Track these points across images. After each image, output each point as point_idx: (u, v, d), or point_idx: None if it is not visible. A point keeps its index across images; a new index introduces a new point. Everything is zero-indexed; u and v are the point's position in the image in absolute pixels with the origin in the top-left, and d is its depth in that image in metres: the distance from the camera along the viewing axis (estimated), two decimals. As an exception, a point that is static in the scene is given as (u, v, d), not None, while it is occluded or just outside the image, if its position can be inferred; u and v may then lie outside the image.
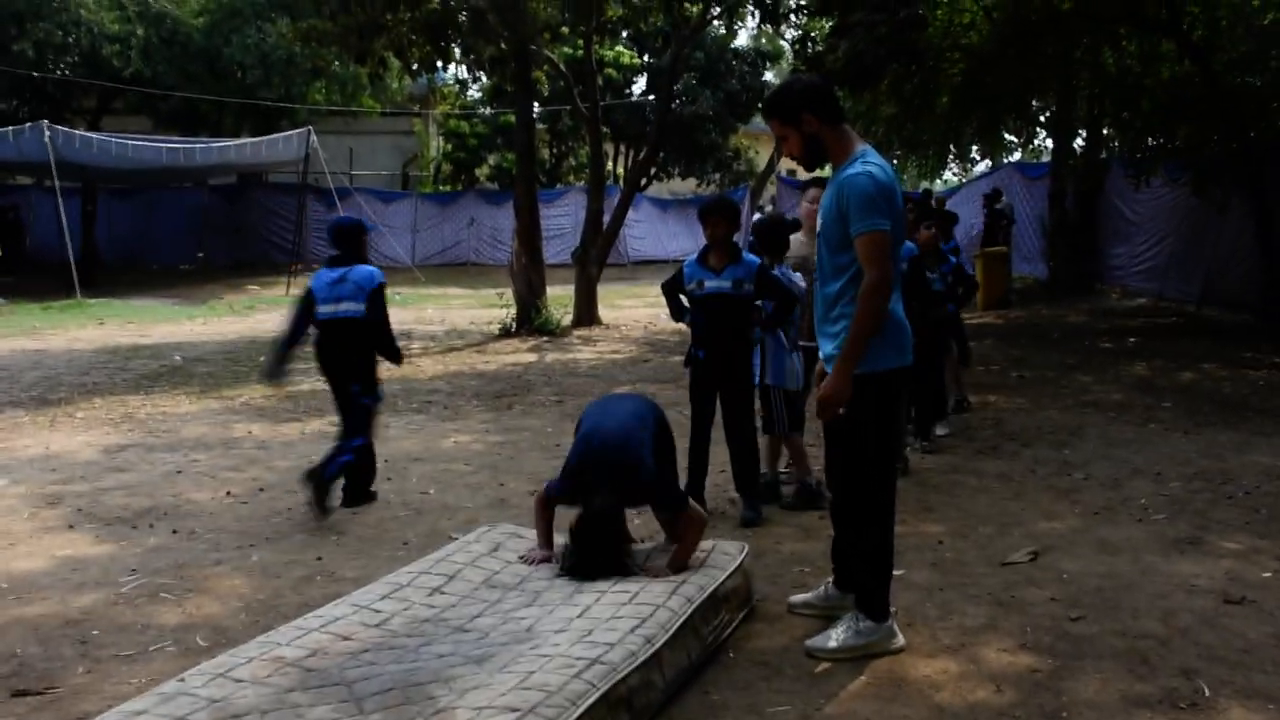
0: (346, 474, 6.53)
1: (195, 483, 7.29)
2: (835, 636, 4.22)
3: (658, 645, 3.74)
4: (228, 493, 7.02)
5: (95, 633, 4.63)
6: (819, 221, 4.28)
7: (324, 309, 6.55)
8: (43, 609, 4.91)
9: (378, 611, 4.20)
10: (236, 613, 4.86)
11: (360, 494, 6.70)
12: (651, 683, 3.64)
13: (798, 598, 4.73)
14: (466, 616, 4.17)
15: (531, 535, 5.01)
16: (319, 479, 6.25)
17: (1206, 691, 3.86)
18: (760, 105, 4.59)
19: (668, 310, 6.55)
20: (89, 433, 8.92)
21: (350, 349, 6.62)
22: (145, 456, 8.06)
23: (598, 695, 3.34)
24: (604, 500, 4.50)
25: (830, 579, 4.67)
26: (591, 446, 4.74)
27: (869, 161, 4.06)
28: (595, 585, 4.34)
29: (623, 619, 3.90)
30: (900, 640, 4.25)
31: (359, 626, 4.03)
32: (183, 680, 3.54)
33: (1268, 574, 5.11)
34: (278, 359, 6.64)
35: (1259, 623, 4.51)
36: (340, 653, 3.77)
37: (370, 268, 6.68)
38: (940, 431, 7.90)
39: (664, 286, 6.44)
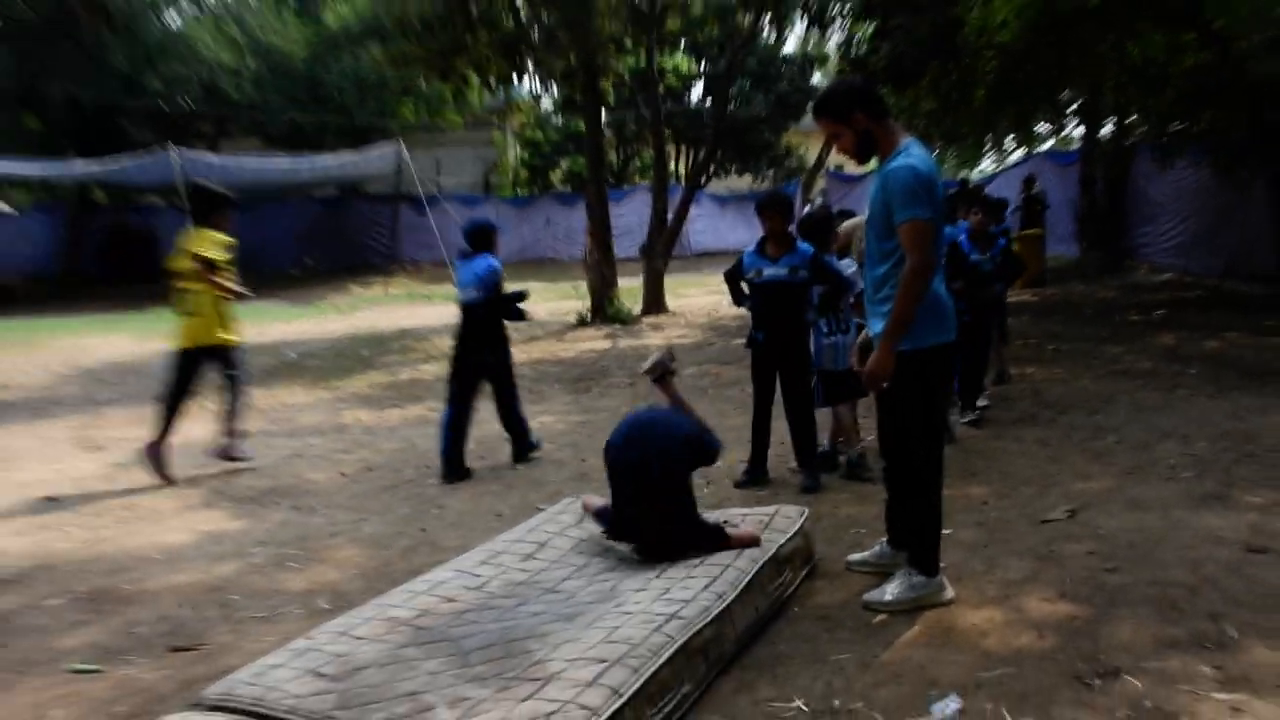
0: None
1: (311, 465, 7.45)
2: (890, 591, 4.22)
3: (728, 601, 3.79)
4: (340, 473, 7.16)
5: (234, 597, 4.78)
6: (866, 210, 4.27)
7: (458, 295, 7.10)
8: (189, 577, 5.08)
9: (477, 576, 4.28)
10: (353, 579, 4.97)
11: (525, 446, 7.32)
12: (723, 635, 3.69)
13: (855, 556, 4.72)
14: (556, 579, 4.24)
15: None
16: (524, 457, 7.21)
17: (1232, 633, 3.82)
18: (812, 106, 4.42)
19: (730, 296, 6.56)
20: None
21: (476, 327, 7.02)
22: (268, 442, 8.23)
23: (676, 647, 3.40)
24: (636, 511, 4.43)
25: (885, 539, 4.66)
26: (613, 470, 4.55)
27: (912, 154, 4.04)
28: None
29: (696, 578, 3.95)
30: (950, 593, 4.25)
31: (461, 590, 4.11)
32: (311, 638, 3.66)
33: (1288, 526, 5.03)
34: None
35: (1280, 570, 4.45)
36: (446, 613, 3.86)
37: (488, 259, 7.01)
38: (981, 403, 7.79)
39: (726, 275, 6.45)
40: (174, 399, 7.15)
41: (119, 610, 4.66)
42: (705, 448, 4.66)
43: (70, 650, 4.23)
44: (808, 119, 32.71)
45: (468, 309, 7.00)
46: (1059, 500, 5.60)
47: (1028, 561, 4.69)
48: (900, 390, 4.11)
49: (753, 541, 4.32)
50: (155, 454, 7.03)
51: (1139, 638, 3.83)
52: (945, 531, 5.08)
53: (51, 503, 6.60)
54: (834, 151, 29.65)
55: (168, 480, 6.98)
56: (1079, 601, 4.20)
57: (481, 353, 6.98)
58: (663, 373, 5.23)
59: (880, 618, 4.11)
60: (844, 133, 4.13)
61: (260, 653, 3.91)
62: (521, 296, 7.21)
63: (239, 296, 7.43)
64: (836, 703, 3.43)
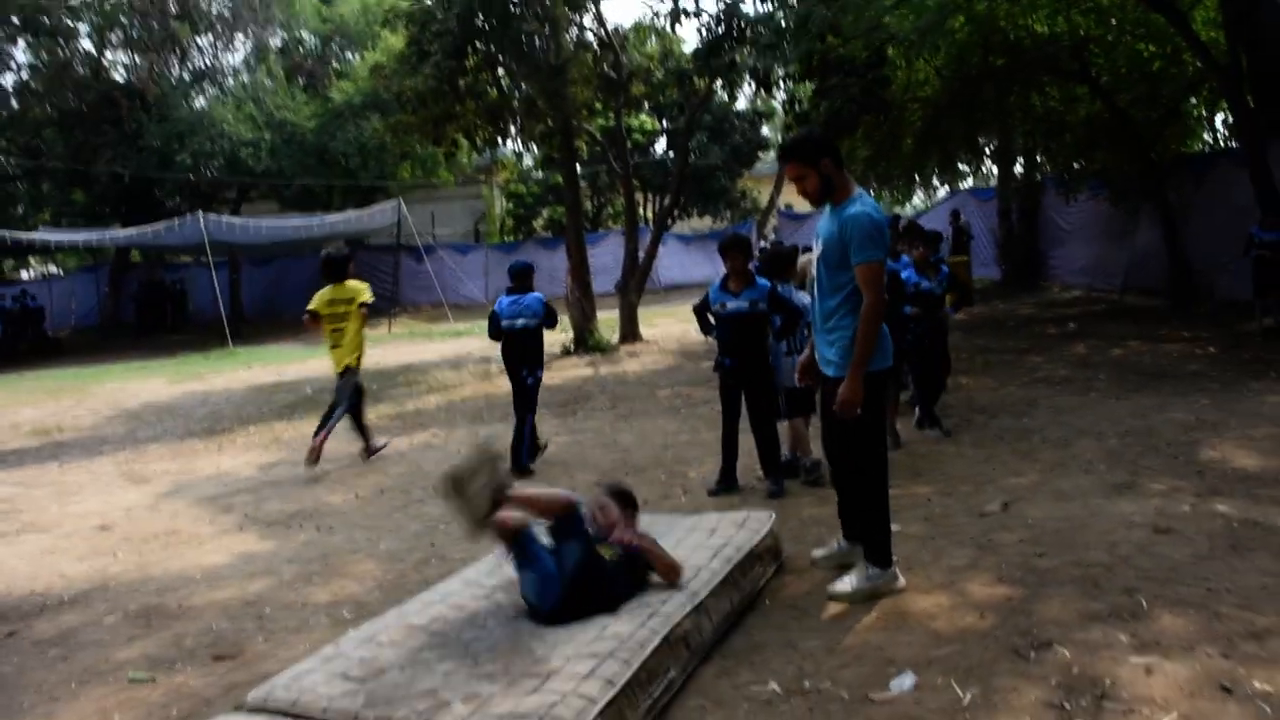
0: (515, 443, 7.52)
1: (330, 489, 7.39)
2: (850, 582, 4.21)
3: (702, 597, 3.78)
4: (355, 495, 7.11)
5: (267, 610, 4.73)
6: (817, 245, 4.24)
7: (505, 323, 7.57)
8: (228, 593, 5.03)
9: (483, 585, 4.23)
10: (372, 590, 4.94)
11: (534, 451, 7.70)
12: (701, 626, 3.69)
13: (818, 552, 4.69)
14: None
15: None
16: (521, 466, 7.34)
17: (1144, 604, 3.86)
18: (783, 150, 4.25)
19: (699, 327, 6.58)
20: (248, 454, 9.06)
21: (524, 348, 7.62)
22: (291, 470, 8.17)
23: (660, 638, 3.40)
24: None
25: (840, 534, 4.65)
26: None
27: (866, 202, 4.07)
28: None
29: (678, 579, 3.95)
30: (902, 581, 4.26)
31: (470, 598, 4.07)
32: (338, 645, 3.62)
33: (1186, 508, 5.08)
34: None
35: (1182, 547, 4.50)
36: (457, 620, 3.81)
37: (537, 294, 7.70)
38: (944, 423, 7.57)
39: (695, 309, 6.48)
40: (355, 413, 8.35)
41: (168, 625, 4.61)
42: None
43: (126, 661, 4.19)
44: (759, 165, 32.98)
45: (522, 334, 7.57)
46: (994, 495, 5.63)
47: (968, 550, 4.71)
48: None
49: (672, 571, 3.90)
50: (372, 452, 8.35)
51: (1066, 613, 3.85)
52: (895, 527, 5.10)
53: (104, 530, 6.52)
54: (782, 193, 29.99)
55: (375, 451, 8.35)
56: (1014, 584, 4.22)
57: (527, 366, 7.65)
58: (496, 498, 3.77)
59: (842, 607, 4.11)
60: (809, 175, 4.09)
61: (293, 659, 3.90)
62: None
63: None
64: (807, 683, 3.44)
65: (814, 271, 4.28)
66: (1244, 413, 7.21)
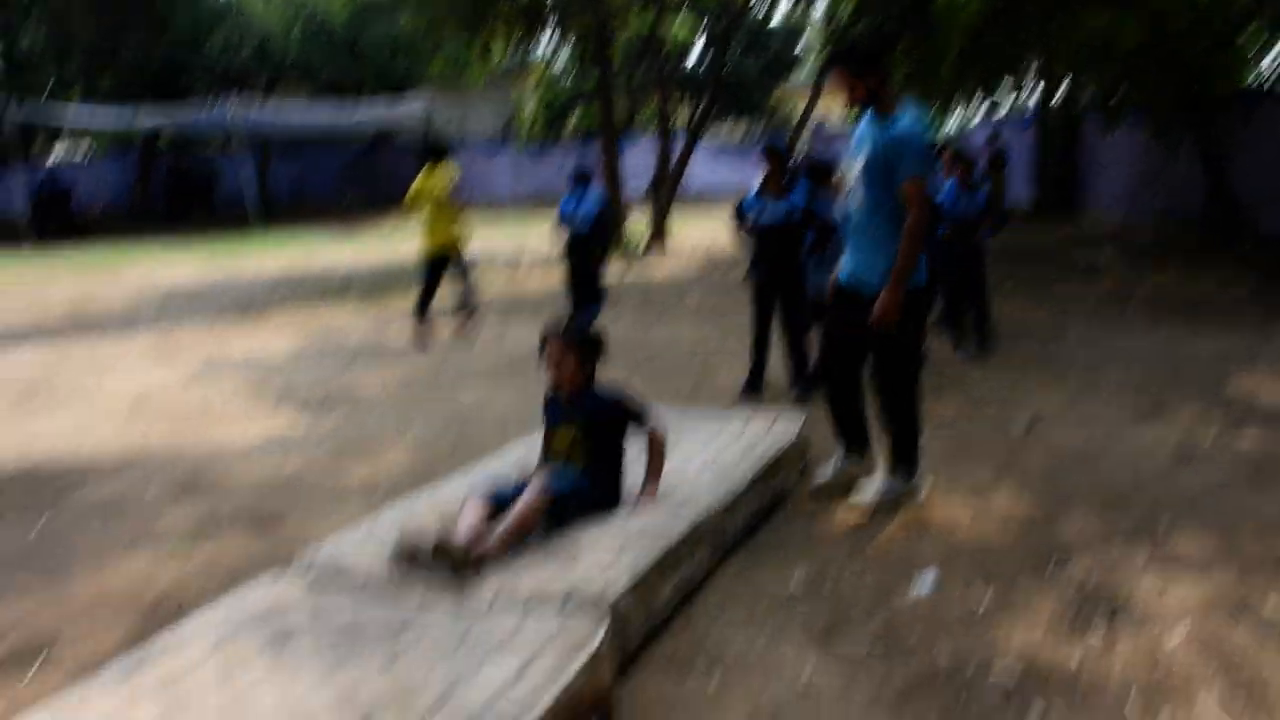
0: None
1: (362, 375, 7.49)
2: (874, 491, 4.21)
3: (733, 495, 3.87)
4: (384, 383, 7.20)
5: (302, 488, 4.86)
6: (858, 157, 4.07)
7: (566, 219, 8.79)
8: (262, 470, 5.17)
9: (512, 476, 4.33)
10: (404, 473, 4.99)
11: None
12: (727, 523, 3.77)
13: (820, 478, 4.46)
14: (584, 474, 4.31)
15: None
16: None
17: (1163, 527, 3.94)
18: (833, 56, 4.12)
19: (735, 228, 6.56)
20: (279, 337, 9.18)
21: (584, 242, 8.78)
22: (323, 355, 8.30)
23: (687, 527, 3.46)
24: None
25: (841, 452, 4.47)
26: None
27: (914, 118, 3.97)
28: (682, 448, 4.42)
29: (706, 473, 4.01)
30: (922, 493, 4.28)
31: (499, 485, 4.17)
32: (377, 518, 3.75)
33: (1210, 438, 5.12)
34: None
35: (1204, 475, 4.56)
36: (492, 500, 3.93)
37: (593, 198, 8.84)
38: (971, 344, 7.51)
39: (734, 211, 6.49)
40: (426, 288, 8.99)
41: (205, 497, 4.76)
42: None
43: (169, 528, 4.34)
44: (793, 79, 32.37)
45: (576, 239, 8.82)
46: (1019, 416, 5.67)
47: (992, 468, 4.77)
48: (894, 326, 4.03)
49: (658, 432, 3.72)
50: (423, 323, 8.89)
51: (1086, 531, 3.94)
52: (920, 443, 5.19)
53: (140, 406, 6.67)
54: (816, 108, 29.49)
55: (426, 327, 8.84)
56: (1036, 501, 4.30)
57: (582, 262, 8.86)
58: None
59: (863, 513, 4.15)
60: (858, 86, 3.97)
61: (328, 533, 4.00)
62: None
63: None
64: (827, 585, 3.53)
65: (850, 185, 4.19)
66: (1275, 348, 7.21)
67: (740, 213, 6.34)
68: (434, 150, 9.31)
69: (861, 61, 3.98)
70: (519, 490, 3.36)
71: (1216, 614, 3.19)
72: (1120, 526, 3.97)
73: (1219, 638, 3.03)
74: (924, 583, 3.45)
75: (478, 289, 9.31)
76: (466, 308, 9.02)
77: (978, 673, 2.86)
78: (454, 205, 8.99)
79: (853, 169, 4.14)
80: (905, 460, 4.24)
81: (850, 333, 4.20)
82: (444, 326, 8.95)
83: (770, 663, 2.96)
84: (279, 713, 2.40)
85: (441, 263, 8.91)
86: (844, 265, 4.25)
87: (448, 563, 3.03)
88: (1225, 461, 4.73)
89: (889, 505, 4.17)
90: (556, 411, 3.74)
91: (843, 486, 4.38)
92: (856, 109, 4.08)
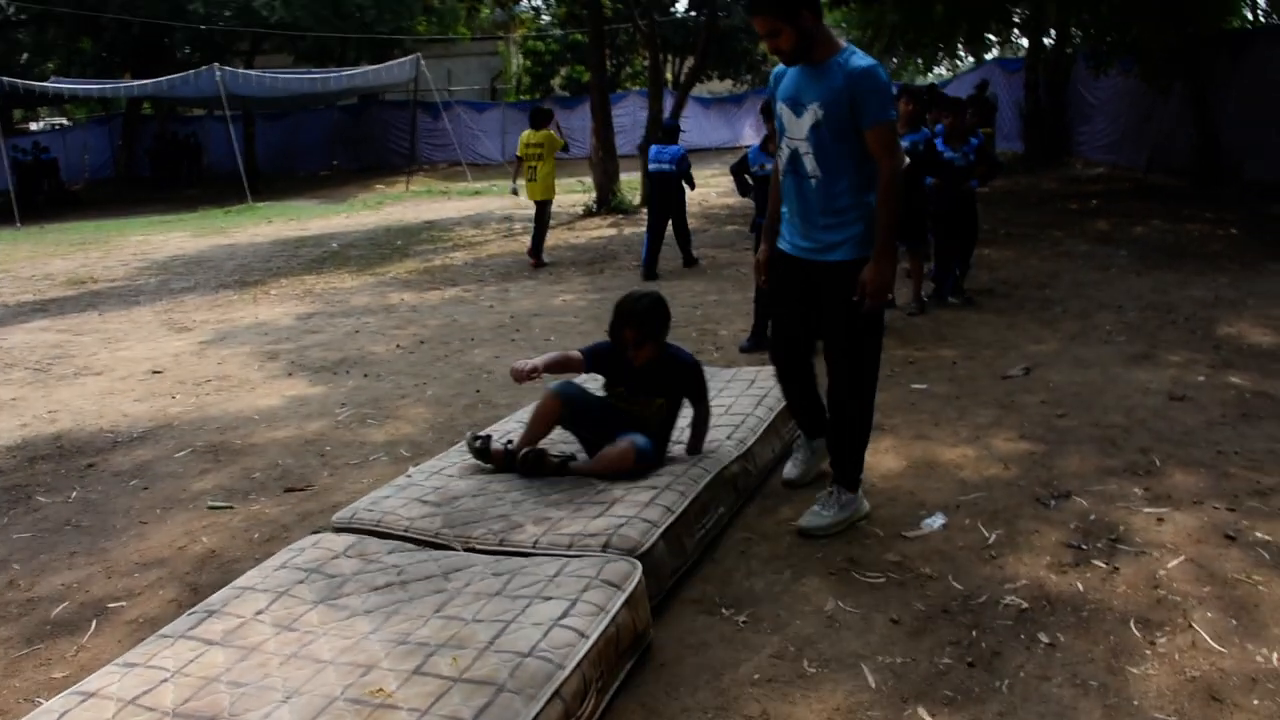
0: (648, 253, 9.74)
1: (370, 339, 7.62)
2: (823, 515, 3.63)
3: (749, 444, 4.05)
4: (397, 346, 7.33)
5: (328, 448, 5.01)
6: (803, 114, 3.42)
7: (653, 166, 9.69)
8: (287, 433, 5.31)
9: (538, 426, 4.51)
10: (425, 432, 5.19)
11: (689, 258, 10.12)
12: (748, 470, 3.96)
13: (789, 472, 4.08)
14: (604, 427, 4.48)
15: None
16: (692, 263, 10.04)
17: (1157, 462, 4.14)
18: (750, 2, 3.20)
19: (736, 187, 6.67)
20: (283, 305, 9.29)
21: (664, 188, 9.65)
22: (329, 321, 8.41)
23: (711, 476, 3.67)
24: None
25: (804, 438, 4.09)
26: None
27: (865, 56, 3.36)
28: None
29: (723, 426, 4.20)
30: (867, 505, 3.76)
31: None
32: (409, 475, 3.92)
33: (1201, 378, 5.31)
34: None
35: (1195, 413, 4.74)
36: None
37: (679, 146, 9.76)
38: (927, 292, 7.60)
39: (732, 168, 6.59)
40: (539, 226, 10.86)
41: (235, 460, 4.91)
42: None
43: (203, 491, 4.50)
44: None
45: (663, 177, 9.59)
46: (1016, 360, 5.86)
47: (992, 409, 4.96)
48: (851, 295, 3.42)
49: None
50: (538, 261, 10.77)
51: (1084, 468, 4.13)
52: (921, 386, 5.38)
53: (157, 374, 6.80)
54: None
55: (541, 264, 10.72)
56: (1035, 440, 4.48)
57: (669, 203, 9.64)
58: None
59: (874, 454, 4.26)
60: (784, 31, 3.31)
61: (359, 493, 4.20)
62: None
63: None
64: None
65: (793, 146, 3.49)
66: (1262, 292, 7.37)
67: (744, 168, 6.46)
68: (537, 114, 10.91)
69: (788, 2, 3.29)
70: (597, 423, 3.87)
71: (1212, 540, 3.39)
72: (1117, 462, 4.16)
73: (1212, 563, 3.23)
74: (933, 520, 3.65)
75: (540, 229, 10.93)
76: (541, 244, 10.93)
77: (989, 601, 3.06)
78: (552, 165, 10.76)
79: (792, 126, 3.48)
80: (854, 469, 3.68)
81: (800, 312, 3.66)
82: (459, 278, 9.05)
83: (794, 597, 3.16)
84: (341, 656, 2.57)
85: (547, 205, 10.81)
86: (788, 234, 3.64)
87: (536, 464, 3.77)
88: (1215, 400, 4.92)
89: (845, 524, 3.64)
90: (633, 378, 3.89)
91: (816, 477, 4.04)
92: (788, 56, 3.41)
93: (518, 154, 10.97)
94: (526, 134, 10.86)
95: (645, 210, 13.53)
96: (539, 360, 3.90)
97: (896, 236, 3.48)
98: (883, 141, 3.32)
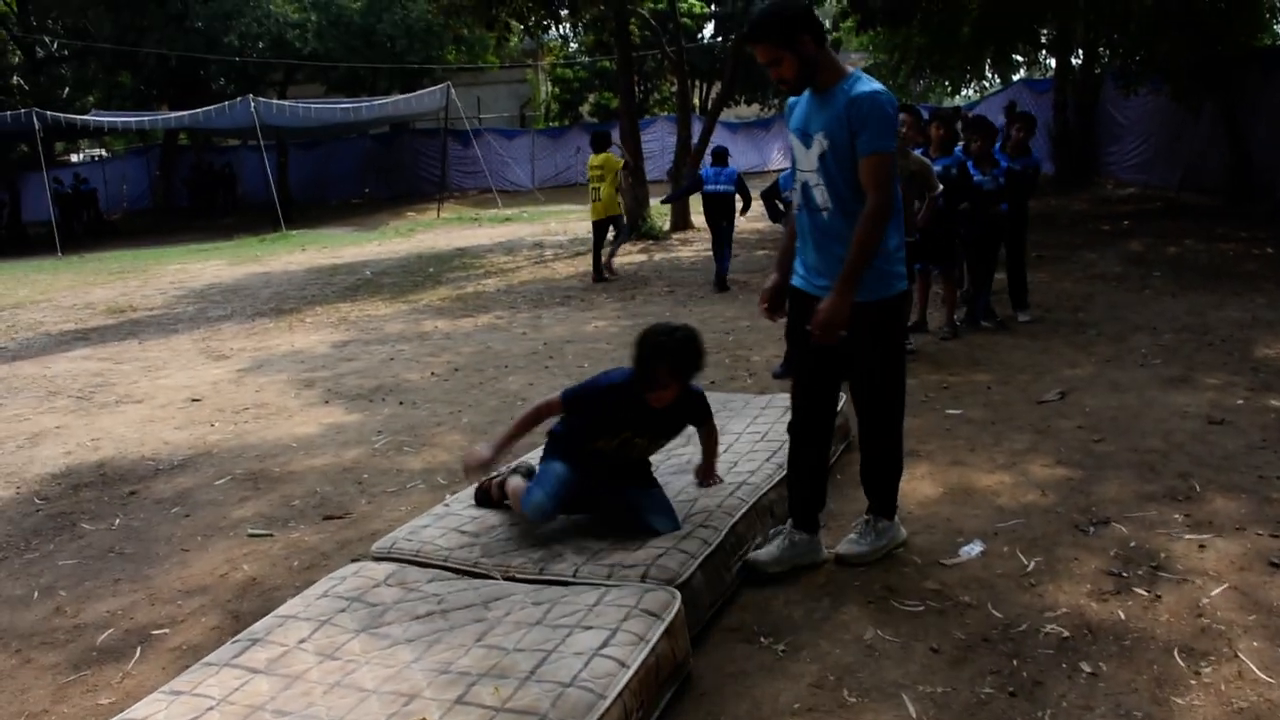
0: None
1: (405, 367, 7.67)
2: (861, 543, 3.60)
3: (785, 471, 4.04)
4: (431, 373, 7.38)
5: (365, 476, 5.05)
6: (812, 145, 3.31)
7: (709, 188, 10.47)
8: (325, 460, 5.36)
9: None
10: (461, 460, 5.22)
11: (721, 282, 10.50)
12: (784, 496, 3.95)
13: (761, 555, 3.55)
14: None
15: None
16: (722, 285, 10.40)
17: (1198, 488, 4.09)
18: (747, 31, 3.34)
19: (767, 213, 6.66)
20: (319, 333, 9.38)
21: (720, 205, 10.39)
22: (364, 348, 8.48)
23: (748, 507, 3.67)
24: None
25: (790, 523, 3.65)
26: None
27: (872, 82, 3.24)
28: (733, 427, 4.62)
29: (759, 452, 4.21)
30: (904, 533, 3.73)
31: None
32: (447, 504, 3.95)
33: (1240, 401, 5.26)
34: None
35: (1235, 437, 4.69)
36: (554, 483, 4.12)
37: (733, 168, 10.64)
38: (959, 317, 7.56)
39: (763, 194, 6.60)
40: (596, 247, 11.78)
41: (274, 488, 4.96)
42: None
43: (243, 519, 4.55)
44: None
45: (719, 196, 10.37)
46: (1051, 384, 5.82)
47: (1028, 435, 4.93)
48: (876, 340, 3.37)
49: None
50: (607, 271, 11.76)
51: (1123, 493, 4.09)
52: (956, 411, 5.36)
53: (196, 402, 6.89)
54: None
55: (611, 272, 11.81)
56: (1073, 466, 4.45)
57: (724, 220, 10.38)
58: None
59: (909, 480, 4.24)
60: (785, 58, 3.20)
61: (397, 521, 4.23)
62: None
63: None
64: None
65: (804, 179, 3.39)
66: (1300, 312, 7.30)
67: (775, 193, 6.47)
68: (598, 139, 11.84)
69: (786, 26, 3.18)
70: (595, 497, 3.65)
71: (1256, 568, 3.35)
72: (1156, 488, 4.12)
73: (1256, 591, 3.19)
74: (972, 547, 3.62)
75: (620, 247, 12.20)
76: (614, 257, 11.94)
77: (1030, 629, 3.03)
78: (614, 185, 11.63)
79: (803, 158, 3.38)
80: (890, 496, 3.65)
81: (826, 356, 3.44)
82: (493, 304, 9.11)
83: (833, 626, 3.15)
84: (384, 685, 2.59)
85: (605, 225, 11.64)
86: (802, 269, 3.49)
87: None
88: (1255, 424, 4.86)
89: (882, 553, 3.61)
90: (651, 422, 3.55)
91: (791, 568, 3.55)
92: (792, 85, 3.31)
93: (587, 178, 12.05)
94: (592, 158, 11.83)
95: (673, 234, 13.66)
96: (496, 440, 3.60)
97: (861, 271, 3.20)
98: (874, 173, 3.15)
